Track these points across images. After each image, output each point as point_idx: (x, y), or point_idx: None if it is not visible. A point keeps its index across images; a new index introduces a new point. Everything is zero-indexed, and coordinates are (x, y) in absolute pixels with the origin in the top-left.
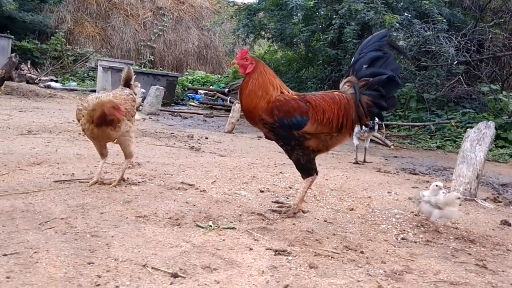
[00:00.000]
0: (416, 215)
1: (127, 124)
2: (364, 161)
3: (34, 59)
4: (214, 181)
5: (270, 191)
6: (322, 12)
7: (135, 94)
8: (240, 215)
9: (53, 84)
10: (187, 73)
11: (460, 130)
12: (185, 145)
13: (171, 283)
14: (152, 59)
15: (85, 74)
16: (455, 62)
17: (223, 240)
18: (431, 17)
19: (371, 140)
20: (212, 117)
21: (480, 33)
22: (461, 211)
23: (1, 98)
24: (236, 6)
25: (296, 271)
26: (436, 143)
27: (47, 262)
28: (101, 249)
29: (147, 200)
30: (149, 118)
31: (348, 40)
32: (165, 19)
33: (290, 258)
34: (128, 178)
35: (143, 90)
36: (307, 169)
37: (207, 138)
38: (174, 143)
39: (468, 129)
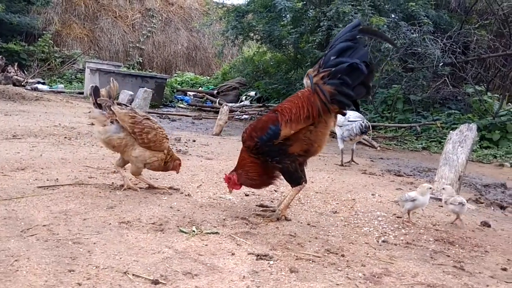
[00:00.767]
0: (398, 217)
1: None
2: (352, 161)
3: (21, 61)
4: (200, 185)
5: (255, 194)
6: (310, 14)
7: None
8: (224, 219)
9: (40, 86)
10: (176, 74)
11: (446, 131)
12: (172, 148)
13: None
14: (141, 61)
15: (72, 76)
16: (441, 64)
17: (206, 245)
18: (418, 19)
19: (358, 142)
20: (201, 119)
21: (466, 35)
22: (442, 213)
23: None
24: (225, 8)
25: (276, 276)
26: (421, 144)
27: (27, 270)
28: (82, 257)
29: (131, 205)
30: None
31: None
32: (154, 21)
33: (271, 262)
34: (112, 183)
35: (131, 93)
36: (296, 178)
37: (194, 141)
38: None
39: (450, 131)
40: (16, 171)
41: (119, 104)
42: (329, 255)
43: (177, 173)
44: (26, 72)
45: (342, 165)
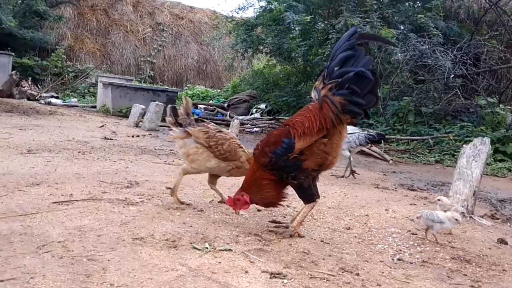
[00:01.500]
0: (413, 233)
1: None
2: (353, 173)
3: (35, 76)
4: (212, 200)
5: (267, 210)
6: (319, 27)
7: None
8: (237, 235)
9: (53, 100)
10: (186, 88)
11: (459, 144)
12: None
13: None
14: (152, 74)
15: (85, 90)
16: (451, 76)
17: (219, 262)
18: (427, 31)
19: (370, 155)
20: None
21: (476, 46)
22: (458, 229)
23: (1, 116)
24: (234, 22)
25: None
26: (434, 157)
27: (43, 287)
28: (97, 274)
29: (145, 221)
30: (149, 134)
31: None
32: (164, 35)
33: (285, 281)
34: (126, 198)
35: (143, 106)
36: (309, 195)
37: None
38: (173, 161)
39: (464, 145)
40: (31, 186)
41: (196, 120)
42: (344, 273)
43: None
44: (40, 87)
45: (353, 172)
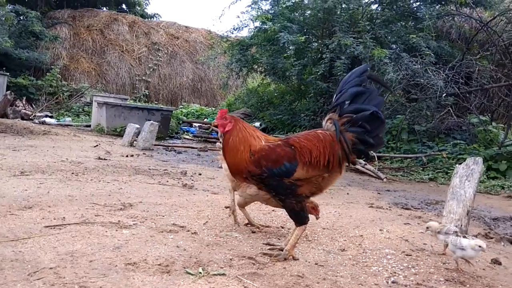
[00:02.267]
0: (407, 254)
1: None
2: None
3: (30, 95)
4: (206, 222)
5: (262, 231)
6: (313, 46)
7: None
8: (230, 259)
9: (48, 120)
10: (181, 106)
11: (452, 162)
12: (178, 182)
13: None
14: (147, 93)
15: (80, 109)
16: (444, 95)
17: None
18: (419, 51)
19: (364, 173)
20: (206, 151)
21: (468, 65)
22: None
23: None
24: (229, 42)
25: None
26: (428, 175)
27: None
28: None
29: (138, 245)
30: (143, 153)
31: (339, 74)
32: (159, 54)
33: None
34: (119, 221)
35: (138, 126)
36: (301, 218)
37: (200, 174)
38: (167, 181)
39: (457, 165)
40: (23, 210)
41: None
42: None
43: (317, 218)
44: (34, 106)
45: None
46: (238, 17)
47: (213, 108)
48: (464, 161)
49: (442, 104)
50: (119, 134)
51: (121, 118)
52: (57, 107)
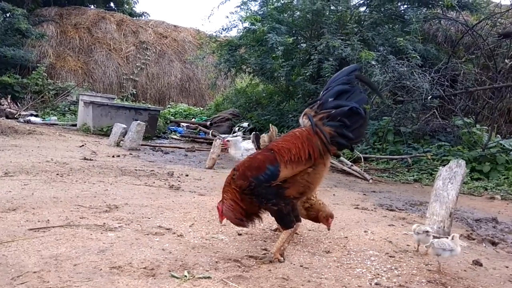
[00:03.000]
0: (391, 256)
1: None
2: None
3: (15, 94)
4: (192, 224)
5: (248, 233)
6: (301, 48)
7: None
8: (216, 262)
9: (33, 119)
10: (169, 105)
11: (437, 163)
12: (165, 183)
13: None
14: (135, 92)
15: (66, 108)
16: (429, 97)
17: None
18: (406, 53)
19: (351, 174)
20: (194, 151)
21: (453, 68)
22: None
23: None
24: (218, 42)
25: None
26: (413, 176)
27: None
28: None
29: (123, 248)
30: (130, 154)
31: (326, 75)
32: (148, 53)
33: None
34: (104, 223)
35: (124, 126)
36: (287, 221)
37: (187, 175)
38: (154, 182)
39: (440, 167)
40: (7, 212)
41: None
42: None
43: (328, 229)
44: (19, 105)
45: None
46: (227, 17)
47: (201, 108)
48: (448, 162)
49: (428, 106)
50: (106, 134)
51: (107, 118)
52: (42, 106)
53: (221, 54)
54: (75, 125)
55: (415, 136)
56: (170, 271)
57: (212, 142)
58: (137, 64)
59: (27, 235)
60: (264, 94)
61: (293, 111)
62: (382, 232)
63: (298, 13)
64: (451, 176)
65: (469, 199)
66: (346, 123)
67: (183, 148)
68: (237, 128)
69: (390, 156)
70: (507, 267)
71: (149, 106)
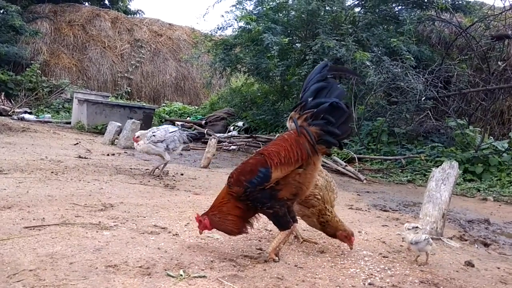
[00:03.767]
0: (384, 256)
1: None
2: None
3: (8, 91)
4: (188, 223)
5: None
6: (296, 48)
7: None
8: (211, 261)
9: (27, 116)
10: (164, 104)
11: (430, 164)
12: (160, 182)
13: None
14: (129, 91)
15: (60, 106)
16: (423, 98)
17: None
18: (400, 55)
19: (345, 175)
20: (189, 150)
21: (447, 70)
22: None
23: None
24: (213, 41)
25: None
26: (407, 177)
27: None
28: None
29: (118, 246)
30: (125, 152)
31: None
32: (142, 51)
33: None
34: (100, 222)
35: (119, 124)
36: (284, 223)
37: (182, 174)
38: (149, 181)
39: (433, 169)
40: (2, 210)
41: None
42: None
43: (350, 248)
44: (13, 102)
45: (153, 174)
46: (223, 16)
47: (196, 107)
48: (442, 163)
49: (421, 107)
50: (100, 132)
51: (102, 116)
52: (36, 103)
53: (216, 53)
54: (69, 123)
55: (409, 137)
56: (165, 270)
57: (207, 141)
58: (131, 62)
59: (22, 233)
60: (259, 94)
61: (288, 111)
62: (376, 233)
63: (293, 13)
64: (444, 177)
65: (462, 200)
66: (330, 120)
67: None
68: (232, 127)
69: (384, 157)
70: (498, 268)
71: (144, 104)
